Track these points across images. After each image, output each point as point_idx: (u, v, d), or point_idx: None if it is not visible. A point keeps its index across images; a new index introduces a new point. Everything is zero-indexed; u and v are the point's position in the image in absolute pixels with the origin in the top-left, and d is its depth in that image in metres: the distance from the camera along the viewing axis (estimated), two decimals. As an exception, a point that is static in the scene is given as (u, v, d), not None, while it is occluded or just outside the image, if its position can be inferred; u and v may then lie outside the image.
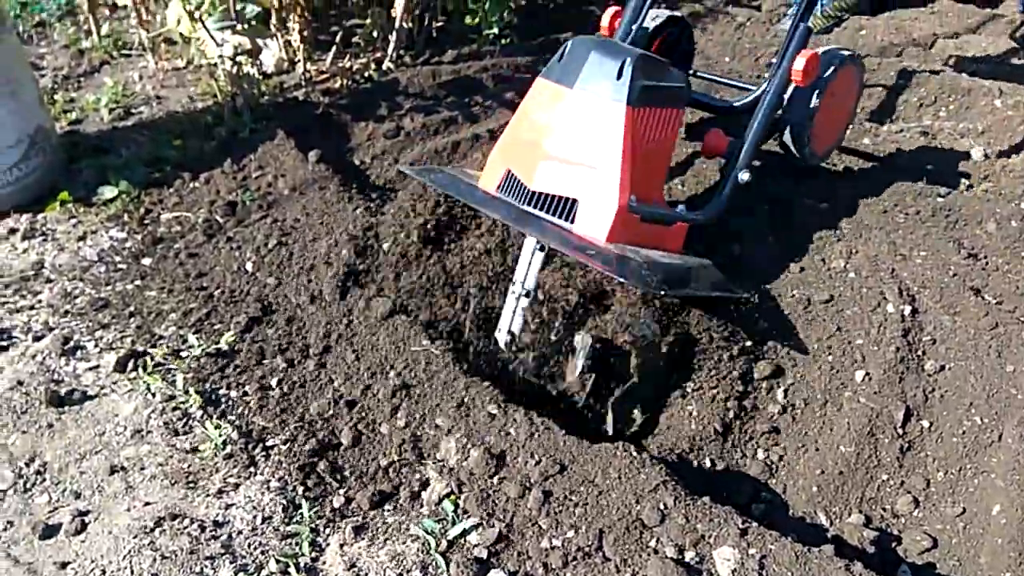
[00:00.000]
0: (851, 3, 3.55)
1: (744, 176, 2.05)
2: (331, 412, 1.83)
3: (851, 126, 2.73)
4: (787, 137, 2.31)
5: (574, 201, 1.84)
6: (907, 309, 1.96)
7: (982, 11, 3.74)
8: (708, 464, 1.77)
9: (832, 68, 2.27)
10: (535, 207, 1.87)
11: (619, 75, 1.81)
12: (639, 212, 1.84)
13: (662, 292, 1.72)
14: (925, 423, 1.79)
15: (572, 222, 1.84)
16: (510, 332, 1.88)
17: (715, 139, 2.17)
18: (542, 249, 1.85)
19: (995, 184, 2.39)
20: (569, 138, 1.87)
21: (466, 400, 1.76)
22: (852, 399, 1.84)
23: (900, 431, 1.78)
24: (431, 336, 1.93)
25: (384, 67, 3.37)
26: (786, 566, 1.38)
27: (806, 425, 1.83)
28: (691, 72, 2.66)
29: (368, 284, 2.12)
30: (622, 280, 1.73)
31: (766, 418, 1.84)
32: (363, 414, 1.82)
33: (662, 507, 1.49)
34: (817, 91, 2.23)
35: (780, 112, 2.25)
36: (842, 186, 2.40)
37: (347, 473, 1.71)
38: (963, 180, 2.41)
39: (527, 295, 1.86)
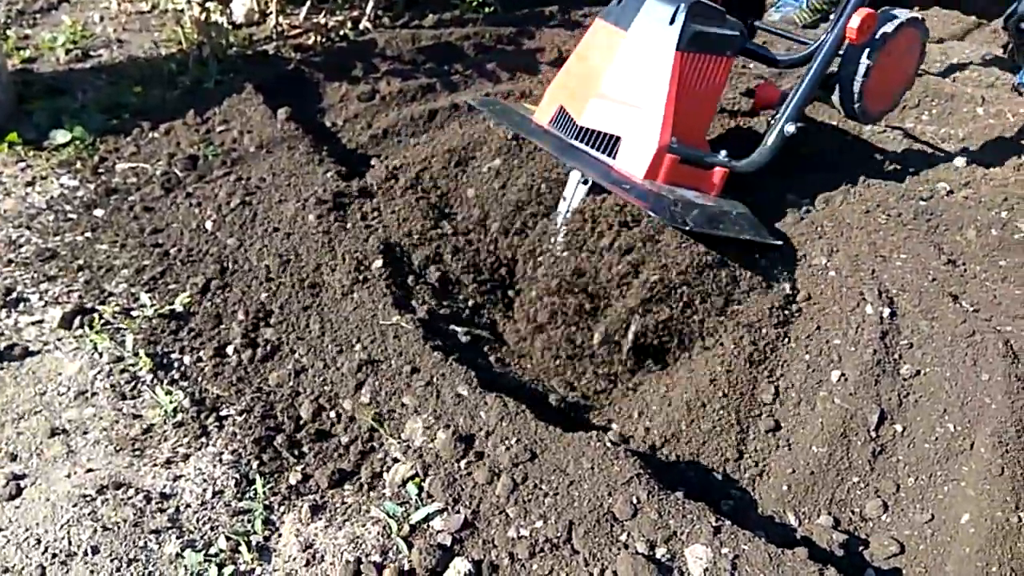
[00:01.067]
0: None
1: (790, 128, 2.05)
2: (291, 384, 1.74)
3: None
4: (836, 95, 2.27)
5: (618, 138, 1.98)
6: (886, 311, 1.94)
7: (968, 18, 3.75)
8: (676, 457, 1.73)
9: (890, 27, 2.20)
10: (582, 142, 2.01)
11: (672, 20, 1.94)
12: (679, 153, 1.96)
13: (687, 228, 1.82)
14: (898, 427, 1.77)
15: (614, 158, 1.97)
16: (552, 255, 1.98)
17: (767, 91, 2.25)
18: (585, 182, 1.96)
19: (975, 191, 2.38)
20: (619, 78, 2.00)
21: (435, 379, 1.69)
22: (827, 399, 1.81)
23: (873, 434, 1.76)
24: (400, 310, 1.85)
25: (361, 26, 3.24)
26: (759, 567, 1.35)
27: (780, 423, 1.79)
28: (751, 22, 2.61)
29: (336, 250, 2.01)
30: (651, 214, 1.83)
31: (740, 413, 1.81)
32: (325, 388, 1.73)
33: (634, 500, 1.44)
34: (870, 50, 2.18)
35: (836, 69, 2.23)
36: (825, 184, 2.37)
37: (305, 449, 1.62)
38: (944, 185, 2.40)
39: (567, 224, 1.97)
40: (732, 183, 2.13)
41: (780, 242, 2.04)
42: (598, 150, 2.00)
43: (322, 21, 3.23)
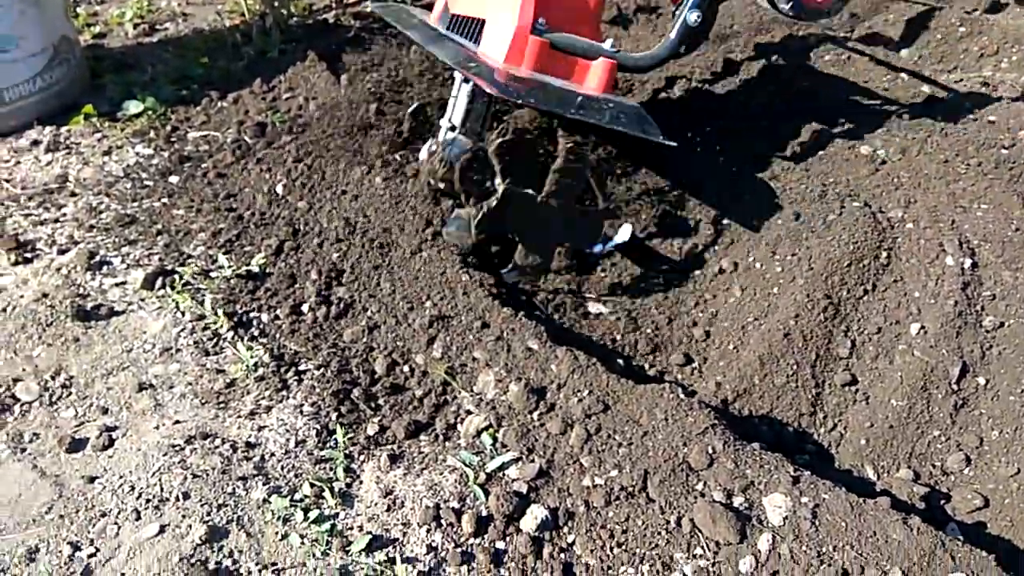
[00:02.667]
0: None
1: (692, 16, 1.87)
2: (365, 340, 1.77)
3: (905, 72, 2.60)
4: None
5: (482, 22, 1.86)
6: (967, 262, 1.87)
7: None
8: (749, 412, 1.71)
9: None
10: (454, 31, 1.93)
11: None
12: (547, 38, 1.77)
13: (520, 100, 1.63)
14: (981, 380, 1.72)
15: (478, 44, 1.84)
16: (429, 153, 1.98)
17: None
18: (467, 81, 1.87)
19: (1061, 139, 2.27)
20: None
21: (505, 333, 1.70)
22: (906, 352, 1.76)
23: (955, 387, 1.71)
24: (468, 266, 1.86)
25: (420, -8, 3.23)
26: (840, 516, 1.33)
27: (857, 376, 1.76)
28: None
29: (404, 210, 2.03)
30: (490, 89, 1.63)
31: (814, 368, 1.78)
32: (398, 343, 1.76)
33: (710, 451, 1.43)
34: None
35: None
36: (901, 134, 2.28)
37: (381, 402, 1.66)
38: (1027, 133, 2.29)
39: (452, 129, 1.91)
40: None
41: (673, 143, 1.71)
42: (466, 38, 1.88)
43: (380, -12, 3.23)
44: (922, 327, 1.79)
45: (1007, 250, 1.91)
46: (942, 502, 1.60)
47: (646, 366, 1.86)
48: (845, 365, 1.78)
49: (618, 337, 1.90)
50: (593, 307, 1.95)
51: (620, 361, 1.83)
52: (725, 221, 2.12)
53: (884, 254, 1.92)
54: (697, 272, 2.05)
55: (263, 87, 2.65)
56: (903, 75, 2.62)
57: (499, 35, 1.79)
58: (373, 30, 2.99)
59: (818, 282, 1.86)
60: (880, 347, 1.79)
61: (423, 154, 2.05)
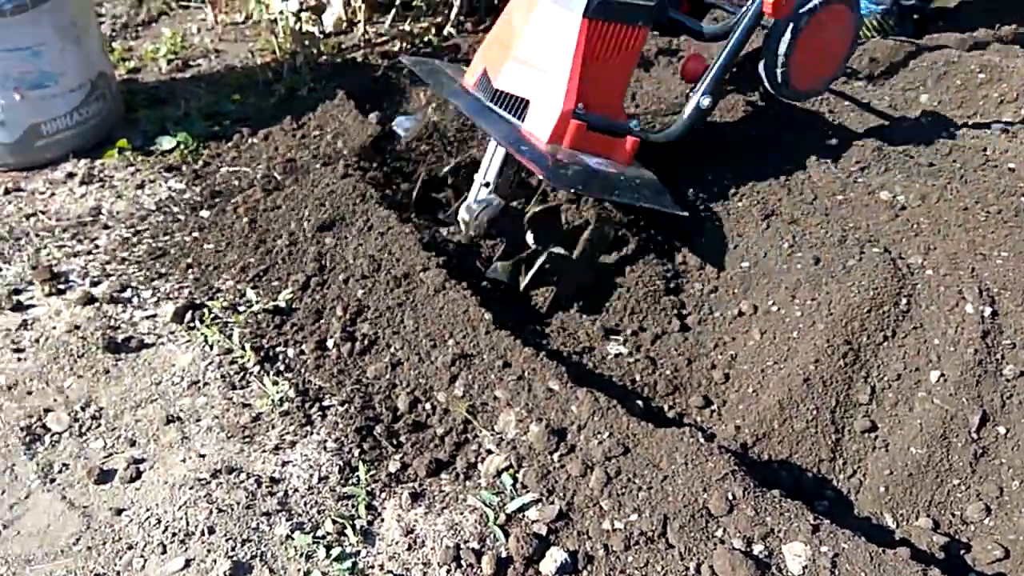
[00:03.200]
0: (880, 26, 3.30)
1: (705, 102, 2.07)
2: (388, 376, 1.80)
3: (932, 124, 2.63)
4: (760, 69, 2.22)
5: (527, 102, 2.01)
6: (987, 310, 1.88)
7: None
8: (768, 457, 1.72)
9: (814, 3, 2.13)
10: (497, 104, 2.06)
11: None
12: (585, 120, 1.98)
13: (576, 189, 1.91)
14: (1001, 429, 1.72)
15: (522, 121, 2.01)
16: (469, 212, 2.12)
17: (693, 64, 2.19)
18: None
19: (1081, 186, 2.28)
20: (532, 42, 2.04)
21: (526, 373, 1.72)
22: (926, 399, 1.77)
23: (975, 436, 1.71)
24: (489, 305, 1.89)
25: (445, 32, 3.31)
26: (860, 566, 1.33)
27: (877, 423, 1.76)
28: None
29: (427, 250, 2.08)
30: (540, 174, 1.87)
31: (833, 413, 1.78)
32: (420, 381, 1.78)
33: (730, 497, 1.44)
34: (793, 25, 2.13)
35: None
36: (920, 180, 2.30)
37: (403, 439, 1.68)
38: (1048, 181, 2.30)
39: (486, 185, 2.07)
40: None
41: (685, 213, 2.02)
42: (510, 113, 2.03)
43: (407, 28, 3.32)
44: (942, 375, 1.79)
45: (1027, 299, 1.92)
46: (962, 552, 1.59)
47: (665, 407, 1.88)
48: (865, 411, 1.79)
49: (637, 378, 1.92)
50: (612, 347, 1.97)
51: (639, 402, 1.84)
52: (744, 264, 2.14)
53: (904, 300, 1.93)
54: (716, 314, 2.07)
55: (292, 124, 2.72)
56: (923, 121, 2.65)
57: (544, 117, 2.00)
58: (400, 70, 3.06)
59: (838, 327, 1.87)
60: (900, 394, 1.80)
61: (462, 213, 2.16)
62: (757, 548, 1.39)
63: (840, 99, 2.79)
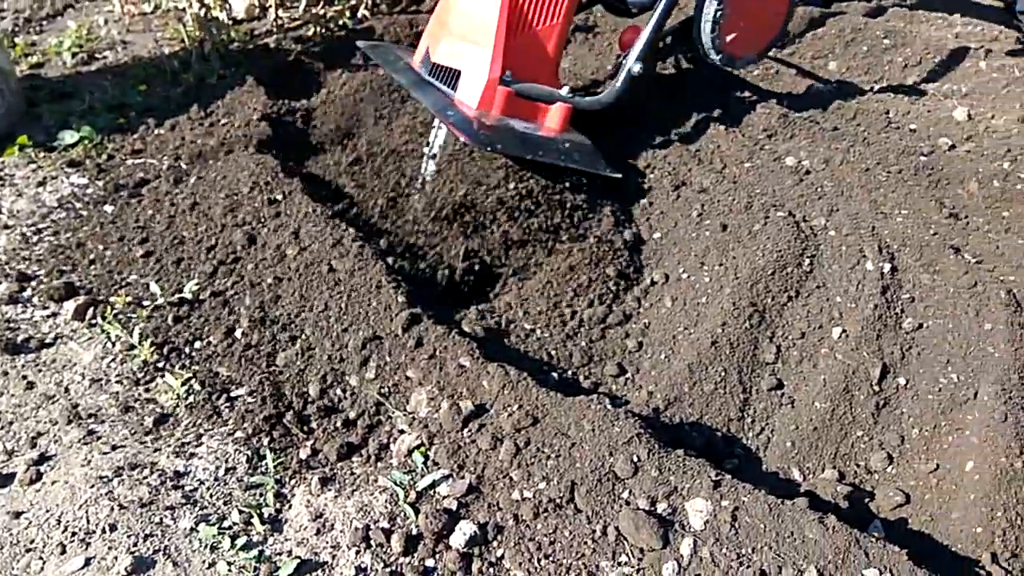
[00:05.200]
0: None
1: (636, 68, 2.13)
2: (299, 363, 1.78)
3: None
4: (695, 36, 2.26)
5: (459, 72, 2.13)
6: (886, 267, 1.94)
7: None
8: (680, 419, 1.75)
9: None
10: (434, 77, 2.18)
11: None
12: (513, 87, 2.08)
13: (496, 149, 1.98)
14: (901, 380, 1.78)
15: (455, 91, 2.12)
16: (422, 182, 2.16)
17: (629, 35, 2.26)
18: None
19: (978, 145, 2.36)
20: (464, 18, 2.14)
21: (438, 352, 1.72)
22: (829, 356, 1.82)
23: (876, 388, 1.76)
24: (401, 282, 1.88)
25: (359, 15, 3.26)
26: (759, 518, 1.36)
27: (783, 380, 1.81)
28: None
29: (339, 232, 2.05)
30: (461, 136, 1.95)
31: (742, 374, 1.82)
32: (332, 366, 1.76)
33: (635, 459, 1.46)
34: None
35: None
36: (824, 144, 2.36)
37: (314, 425, 1.66)
38: (946, 140, 2.38)
39: (433, 157, 2.13)
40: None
41: (619, 174, 2.11)
42: (445, 84, 2.15)
43: (321, 12, 3.26)
44: (844, 331, 1.85)
45: (925, 253, 1.98)
46: (866, 500, 1.64)
47: (581, 378, 1.89)
48: (771, 370, 1.83)
49: (553, 352, 1.93)
50: (527, 323, 1.98)
51: (555, 375, 1.85)
52: (657, 235, 2.17)
53: (807, 261, 1.98)
54: (630, 285, 2.09)
55: (200, 113, 2.65)
56: (830, 87, 2.71)
57: (473, 85, 2.11)
58: (313, 54, 3.00)
59: (744, 291, 1.91)
60: (804, 351, 1.84)
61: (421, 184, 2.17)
62: (661, 507, 1.41)
63: (749, 67, 2.83)
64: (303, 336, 1.83)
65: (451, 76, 2.14)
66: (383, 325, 1.80)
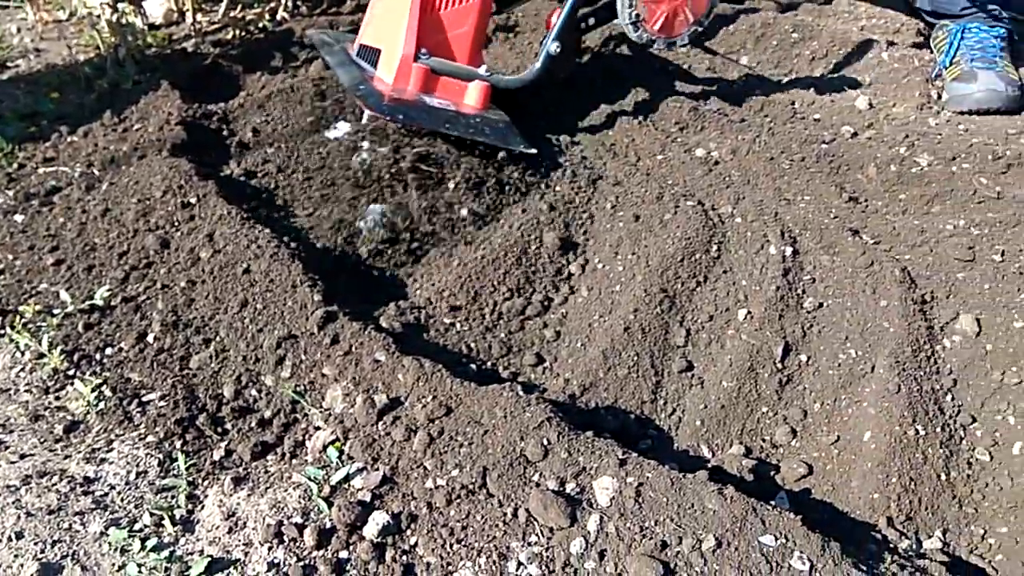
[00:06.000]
0: None
1: (554, 48, 2.21)
2: (213, 365, 1.77)
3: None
4: (617, 15, 2.30)
5: (379, 51, 2.22)
6: (788, 250, 2.02)
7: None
8: (595, 404, 1.80)
9: None
10: (360, 58, 2.28)
11: None
12: (428, 64, 2.16)
13: (401, 121, 2.06)
14: (803, 357, 1.86)
15: (376, 69, 2.21)
16: None
17: (553, 15, 2.34)
18: None
19: (877, 132, 2.47)
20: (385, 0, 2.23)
21: (354, 348, 1.73)
22: (735, 337, 1.89)
23: (779, 365, 1.84)
24: (327, 283, 1.89)
25: (279, 17, 3.24)
26: (662, 492, 1.41)
27: (693, 362, 1.87)
28: None
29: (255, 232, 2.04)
30: (367, 108, 2.04)
31: (654, 358, 1.88)
32: (247, 366, 1.76)
33: (545, 442, 1.50)
34: None
35: None
36: (732, 135, 2.44)
37: (228, 426, 1.66)
38: (848, 128, 2.48)
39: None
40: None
41: (534, 150, 2.19)
42: (370, 64, 2.24)
43: (239, 15, 3.23)
44: (748, 312, 1.92)
45: (825, 236, 2.07)
46: (772, 473, 1.71)
47: (500, 369, 1.93)
48: (681, 353, 1.89)
49: (473, 344, 1.96)
50: (447, 318, 2.00)
51: (473, 366, 1.88)
52: (574, 228, 2.22)
53: (714, 248, 2.05)
54: (549, 277, 2.13)
55: (114, 119, 2.60)
56: (740, 80, 2.80)
57: (389, 62, 2.18)
58: (231, 57, 2.98)
59: (654, 278, 1.97)
60: (712, 333, 1.91)
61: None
62: (570, 486, 1.45)
63: (665, 63, 2.92)
64: (217, 338, 1.83)
65: (374, 55, 2.23)
66: (299, 324, 1.81)
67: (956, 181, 2.22)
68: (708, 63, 2.90)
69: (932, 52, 2.96)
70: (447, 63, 2.20)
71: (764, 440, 1.77)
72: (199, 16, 3.28)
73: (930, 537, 1.58)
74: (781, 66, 2.98)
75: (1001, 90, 2.65)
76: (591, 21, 2.41)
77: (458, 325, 1.99)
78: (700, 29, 2.40)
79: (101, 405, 1.67)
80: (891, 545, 1.53)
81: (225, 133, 2.46)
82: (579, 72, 2.76)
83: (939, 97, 2.75)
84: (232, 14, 3.24)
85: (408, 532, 1.43)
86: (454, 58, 2.22)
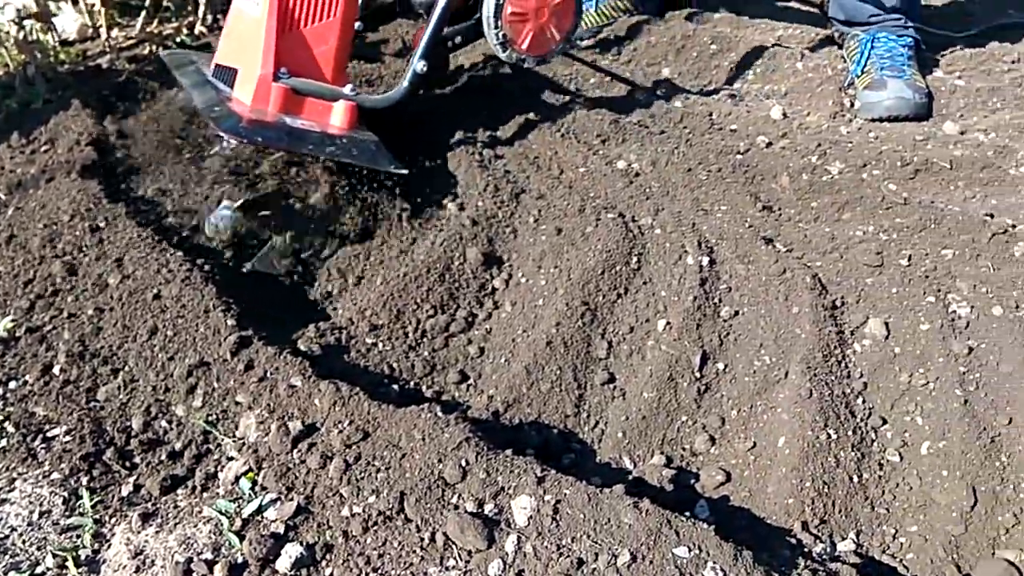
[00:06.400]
0: (627, 7, 3.47)
1: (420, 66, 2.17)
2: (121, 397, 1.72)
3: (662, 85, 2.83)
4: (485, 35, 2.30)
5: (235, 71, 2.11)
6: (705, 260, 2.05)
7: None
8: (519, 420, 1.80)
9: None
10: (217, 79, 2.15)
11: None
12: (290, 85, 2.08)
13: (247, 139, 1.96)
14: (720, 365, 1.89)
15: (232, 89, 2.11)
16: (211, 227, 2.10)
17: (420, 32, 2.28)
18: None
19: (791, 141, 2.54)
20: (241, 16, 2.14)
21: (268, 373, 1.70)
22: (655, 347, 1.91)
23: (698, 374, 1.87)
24: (232, 304, 1.85)
25: (197, 31, 3.17)
26: (579, 508, 1.42)
27: (615, 374, 1.88)
28: None
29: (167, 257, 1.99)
30: (221, 131, 1.94)
31: (576, 371, 1.89)
32: (157, 396, 1.71)
33: (463, 463, 1.49)
34: None
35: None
36: (652, 147, 2.48)
37: (137, 460, 1.61)
38: (763, 138, 2.54)
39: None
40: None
41: (405, 170, 2.12)
42: (227, 84, 2.13)
43: (156, 30, 3.15)
44: (668, 322, 1.95)
45: (740, 245, 2.12)
46: (692, 482, 1.74)
47: (423, 388, 1.91)
48: (604, 365, 1.90)
49: (395, 363, 1.94)
50: (369, 338, 1.98)
51: (395, 387, 1.86)
52: (499, 243, 2.21)
53: (634, 259, 2.07)
54: (472, 293, 2.13)
55: (21, 140, 2.51)
56: (660, 92, 2.85)
57: (247, 82, 2.07)
58: (148, 73, 2.90)
59: (575, 291, 1.98)
60: (633, 345, 1.93)
61: (206, 228, 2.11)
62: (488, 507, 1.44)
63: (587, 75, 2.95)
64: (126, 368, 1.77)
65: (231, 75, 2.13)
66: (211, 350, 1.76)
67: (866, 188, 2.29)
68: (629, 75, 2.94)
69: (845, 61, 3.06)
70: (309, 83, 2.10)
71: (684, 449, 1.79)
72: (114, 31, 3.19)
73: (844, 539, 1.62)
74: (700, 77, 3.03)
75: (909, 97, 2.75)
76: (458, 40, 2.41)
77: (380, 345, 1.97)
78: (569, 46, 2.43)
79: (3, 442, 1.61)
80: (805, 549, 1.56)
81: (137, 151, 2.38)
82: (500, 87, 2.77)
83: (852, 105, 2.84)
84: (149, 29, 3.16)
85: (323, 563, 1.40)
86: (317, 77, 2.13)
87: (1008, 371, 1.82)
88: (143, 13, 3.25)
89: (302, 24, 2.08)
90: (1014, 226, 2.18)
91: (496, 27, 2.24)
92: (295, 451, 1.56)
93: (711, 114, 2.71)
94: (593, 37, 3.21)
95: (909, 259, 2.08)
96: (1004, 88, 2.85)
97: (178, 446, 1.63)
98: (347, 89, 2.14)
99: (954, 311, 1.94)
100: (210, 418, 1.66)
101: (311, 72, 2.11)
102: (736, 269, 2.05)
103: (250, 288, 2.04)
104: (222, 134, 1.93)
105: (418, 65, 2.16)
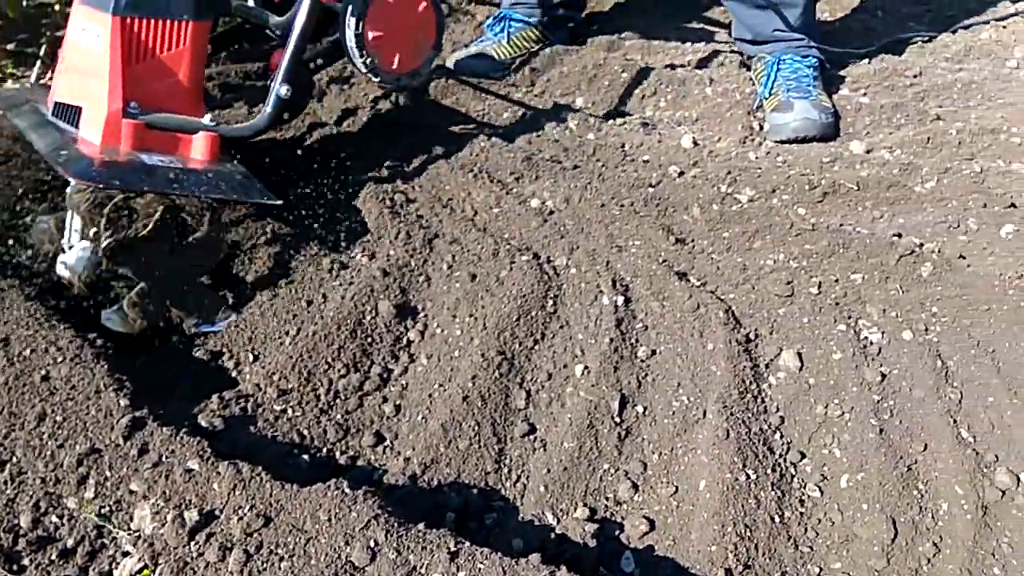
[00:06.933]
0: (539, 37, 3.49)
1: (283, 91, 2.10)
2: (8, 491, 1.60)
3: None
4: (354, 64, 2.27)
5: (79, 109, 1.97)
6: (620, 300, 2.04)
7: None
8: (438, 482, 1.74)
9: None
10: (57, 117, 2.00)
11: None
12: (142, 118, 1.96)
13: (103, 184, 1.82)
14: (640, 408, 1.87)
15: (78, 128, 1.97)
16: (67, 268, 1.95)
17: (277, 57, 2.22)
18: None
19: (702, 170, 2.55)
20: (77, 49, 2.00)
21: (164, 457, 1.60)
22: (573, 393, 1.88)
23: (617, 419, 1.84)
24: (125, 383, 1.75)
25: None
26: (495, 584, 1.37)
27: (535, 424, 1.84)
28: None
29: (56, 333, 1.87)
30: (69, 176, 1.81)
31: (495, 425, 1.84)
32: (46, 489, 1.60)
33: (372, 544, 1.43)
34: (351, 4, 2.17)
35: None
36: (566, 183, 2.46)
37: (26, 561, 1.49)
38: (674, 168, 2.55)
39: (78, 231, 1.93)
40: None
41: (279, 200, 2.05)
42: (70, 123, 1.99)
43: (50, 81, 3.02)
44: (585, 367, 1.92)
45: (654, 282, 2.10)
46: (616, 533, 1.70)
47: (337, 454, 1.84)
48: (523, 416, 1.86)
49: (305, 431, 1.86)
50: (278, 404, 1.90)
51: (306, 457, 1.79)
52: (412, 293, 2.16)
53: (550, 302, 2.04)
54: (386, 347, 2.06)
55: None
56: (572, 124, 2.84)
57: (94, 121, 1.94)
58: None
59: (491, 340, 1.94)
60: (552, 392, 1.90)
61: (60, 270, 1.95)
62: (399, 590, 1.38)
63: (500, 110, 2.92)
64: (13, 460, 1.65)
65: (74, 113, 1.98)
66: (103, 435, 1.66)
67: (775, 215, 2.31)
68: (543, 107, 2.93)
69: (754, 84, 3.10)
70: (165, 117, 1.99)
71: (607, 498, 1.76)
72: (8, 84, 3.04)
73: (769, 582, 1.60)
74: (613, 106, 3.04)
75: (815, 118, 2.80)
76: (319, 61, 2.36)
77: (290, 411, 1.89)
78: (438, 52, 2.44)
79: None
80: (730, 597, 1.54)
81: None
82: (408, 122, 2.72)
83: (761, 128, 2.87)
84: (43, 81, 3.02)
85: (225, 665, 1.32)
86: (172, 109, 2.02)
87: (920, 396, 1.84)
88: (38, 63, 3.12)
89: (149, 54, 1.96)
90: (921, 245, 2.23)
91: (362, 56, 2.20)
92: (192, 543, 1.47)
93: (623, 145, 2.71)
94: (506, 69, 3.20)
95: (819, 287, 2.10)
96: (907, 103, 2.93)
97: (70, 543, 1.52)
98: (207, 119, 2.04)
99: (865, 338, 1.96)
100: (103, 510, 1.56)
101: (165, 105, 2.00)
102: (651, 307, 2.04)
103: (148, 359, 1.94)
104: (72, 180, 1.79)
105: (281, 90, 2.08)
